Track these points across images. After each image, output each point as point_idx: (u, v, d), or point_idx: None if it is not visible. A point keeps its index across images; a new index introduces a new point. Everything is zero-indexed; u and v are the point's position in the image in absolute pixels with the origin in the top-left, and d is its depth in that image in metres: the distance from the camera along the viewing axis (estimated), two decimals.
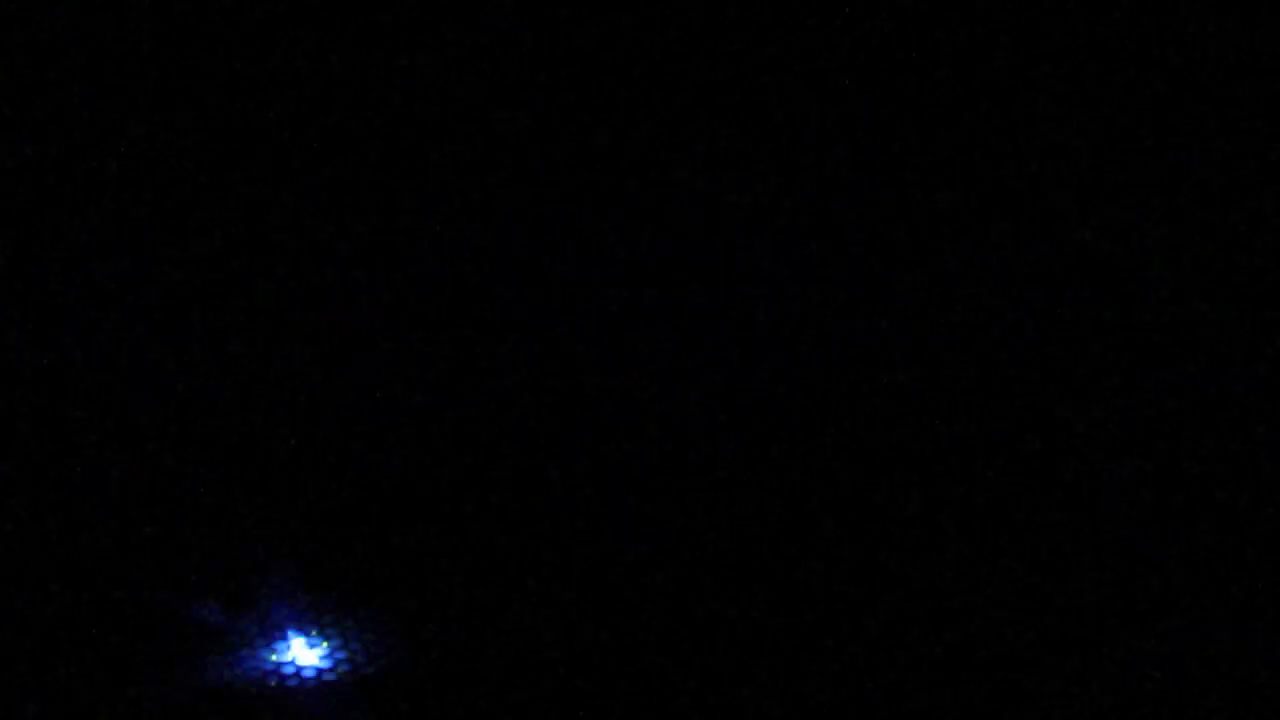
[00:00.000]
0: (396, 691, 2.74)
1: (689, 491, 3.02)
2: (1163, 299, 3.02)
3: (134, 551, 2.91)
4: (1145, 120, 3.07)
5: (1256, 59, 3.01)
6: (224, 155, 3.11)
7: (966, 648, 2.88)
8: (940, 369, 3.07)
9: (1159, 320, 3.03)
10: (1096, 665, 2.85)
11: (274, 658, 2.79)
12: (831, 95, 3.15)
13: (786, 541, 3.00)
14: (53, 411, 2.98)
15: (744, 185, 3.15)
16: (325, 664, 2.79)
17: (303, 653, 2.81)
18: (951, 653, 2.88)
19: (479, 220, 3.17)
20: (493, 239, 3.17)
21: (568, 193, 3.16)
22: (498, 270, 3.17)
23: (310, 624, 2.85)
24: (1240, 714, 2.78)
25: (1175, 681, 2.81)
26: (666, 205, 3.16)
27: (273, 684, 2.75)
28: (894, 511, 3.01)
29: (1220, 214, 3.03)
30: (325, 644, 2.82)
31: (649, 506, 2.97)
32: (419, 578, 2.91)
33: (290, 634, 2.83)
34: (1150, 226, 3.05)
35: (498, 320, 3.12)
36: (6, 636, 2.75)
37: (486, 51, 3.12)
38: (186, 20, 3.06)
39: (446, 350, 3.10)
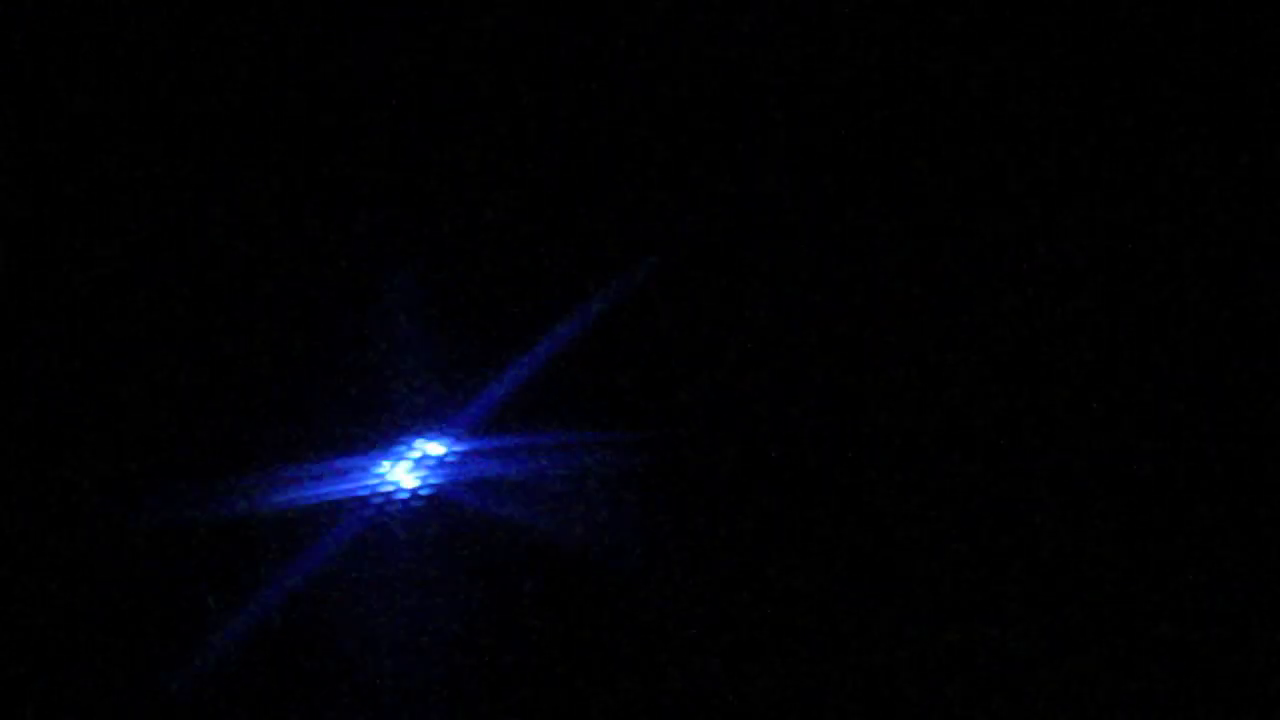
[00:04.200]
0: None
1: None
2: (1163, 299, 3.03)
3: None
4: (1146, 121, 3.07)
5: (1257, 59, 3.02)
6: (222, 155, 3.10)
7: (966, 648, 2.89)
8: (940, 369, 3.07)
9: (1159, 321, 3.03)
10: (1096, 665, 2.85)
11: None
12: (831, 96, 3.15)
13: (786, 542, 3.00)
14: None
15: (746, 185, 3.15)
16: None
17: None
18: (951, 653, 2.89)
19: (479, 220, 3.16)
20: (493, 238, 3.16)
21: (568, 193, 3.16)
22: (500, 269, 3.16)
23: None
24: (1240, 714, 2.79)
25: (1175, 682, 2.81)
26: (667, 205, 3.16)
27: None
28: (893, 512, 3.01)
29: (1221, 214, 3.03)
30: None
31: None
32: None
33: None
34: (1150, 227, 3.06)
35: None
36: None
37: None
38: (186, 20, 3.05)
39: None
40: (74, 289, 2.92)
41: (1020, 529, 2.96)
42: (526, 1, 3.10)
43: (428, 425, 2.89)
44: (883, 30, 3.09)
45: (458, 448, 2.88)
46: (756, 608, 2.92)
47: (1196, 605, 2.87)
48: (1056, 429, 3.00)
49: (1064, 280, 3.04)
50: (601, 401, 2.96)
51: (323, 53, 3.02)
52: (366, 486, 2.84)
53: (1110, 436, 2.99)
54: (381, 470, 2.85)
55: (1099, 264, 3.04)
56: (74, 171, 2.99)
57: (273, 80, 3.01)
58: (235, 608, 2.74)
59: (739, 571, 2.95)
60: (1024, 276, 3.04)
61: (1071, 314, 3.04)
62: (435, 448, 2.86)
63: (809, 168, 3.10)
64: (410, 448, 2.87)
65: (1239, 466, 2.94)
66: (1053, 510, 2.96)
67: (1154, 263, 3.03)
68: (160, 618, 2.78)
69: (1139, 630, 2.87)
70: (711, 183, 3.08)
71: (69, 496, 2.82)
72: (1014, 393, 3.02)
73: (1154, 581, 2.90)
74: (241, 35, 2.99)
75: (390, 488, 2.85)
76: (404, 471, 2.86)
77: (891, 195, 3.08)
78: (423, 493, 2.87)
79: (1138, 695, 2.83)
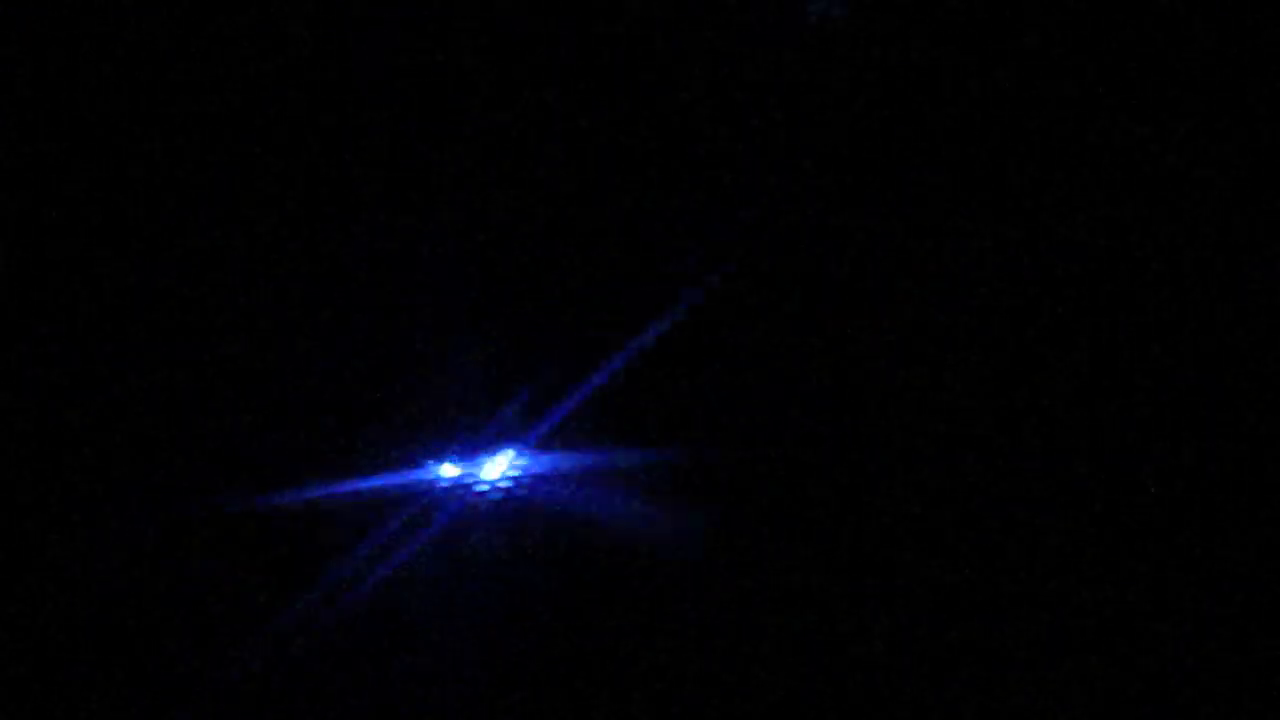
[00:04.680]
0: None
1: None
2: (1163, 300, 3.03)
3: None
4: (1146, 121, 3.07)
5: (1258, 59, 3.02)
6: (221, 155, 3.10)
7: (967, 647, 2.90)
8: (940, 370, 3.07)
9: (1159, 321, 3.04)
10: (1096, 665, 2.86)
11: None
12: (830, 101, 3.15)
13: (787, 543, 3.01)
14: None
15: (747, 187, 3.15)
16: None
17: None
18: (951, 653, 2.89)
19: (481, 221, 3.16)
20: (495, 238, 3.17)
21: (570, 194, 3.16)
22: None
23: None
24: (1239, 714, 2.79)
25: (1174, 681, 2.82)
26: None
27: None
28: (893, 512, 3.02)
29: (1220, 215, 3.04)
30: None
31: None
32: None
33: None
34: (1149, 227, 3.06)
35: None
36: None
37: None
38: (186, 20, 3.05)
39: None
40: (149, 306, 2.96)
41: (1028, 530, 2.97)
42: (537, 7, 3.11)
43: (488, 438, 2.95)
44: (883, 31, 3.09)
45: (519, 460, 2.94)
46: (804, 610, 2.94)
47: (1196, 606, 2.87)
48: (1057, 429, 3.01)
49: (1064, 280, 3.05)
50: (656, 412, 3.00)
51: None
52: (427, 492, 2.90)
53: (1110, 437, 2.99)
54: (443, 478, 2.92)
55: (1099, 264, 3.04)
56: (109, 180, 3.00)
57: (334, 87, 3.02)
58: (293, 607, 2.80)
59: (786, 576, 2.97)
60: (1025, 277, 3.05)
61: (1071, 314, 3.04)
62: (498, 460, 2.93)
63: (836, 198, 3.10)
64: (470, 459, 2.93)
65: (1239, 467, 2.94)
66: (1054, 511, 2.97)
67: (1154, 263, 3.03)
68: (218, 611, 2.83)
69: (1139, 630, 2.88)
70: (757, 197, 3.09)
71: (129, 496, 2.86)
72: (1016, 394, 3.03)
73: (1153, 581, 2.91)
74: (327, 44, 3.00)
75: (451, 494, 2.91)
76: (463, 480, 2.93)
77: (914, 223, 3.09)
78: (482, 500, 2.93)
79: (1137, 695, 2.84)
